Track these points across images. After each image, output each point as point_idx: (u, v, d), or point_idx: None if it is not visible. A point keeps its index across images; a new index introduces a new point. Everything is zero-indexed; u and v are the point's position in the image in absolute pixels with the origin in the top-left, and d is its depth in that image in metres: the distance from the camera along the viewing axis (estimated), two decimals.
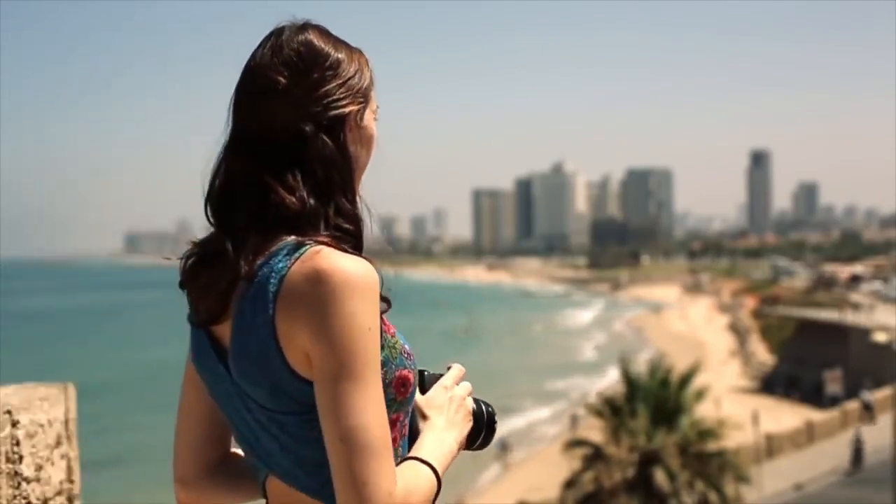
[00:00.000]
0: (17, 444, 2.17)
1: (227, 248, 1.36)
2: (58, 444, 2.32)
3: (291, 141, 1.37)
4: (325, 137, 1.39)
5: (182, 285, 1.46)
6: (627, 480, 21.34)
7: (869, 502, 25.26)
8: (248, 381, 1.35)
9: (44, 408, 2.27)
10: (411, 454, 1.41)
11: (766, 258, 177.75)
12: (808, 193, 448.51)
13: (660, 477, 20.84)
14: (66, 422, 2.37)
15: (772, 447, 32.27)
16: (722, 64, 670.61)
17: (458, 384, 1.54)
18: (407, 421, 1.43)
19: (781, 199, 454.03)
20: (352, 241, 1.38)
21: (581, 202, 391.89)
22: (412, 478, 1.34)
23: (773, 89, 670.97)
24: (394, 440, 1.37)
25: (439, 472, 1.38)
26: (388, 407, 1.35)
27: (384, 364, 1.35)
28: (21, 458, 2.17)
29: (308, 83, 1.40)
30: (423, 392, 1.51)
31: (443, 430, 1.46)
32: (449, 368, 1.57)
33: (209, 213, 1.43)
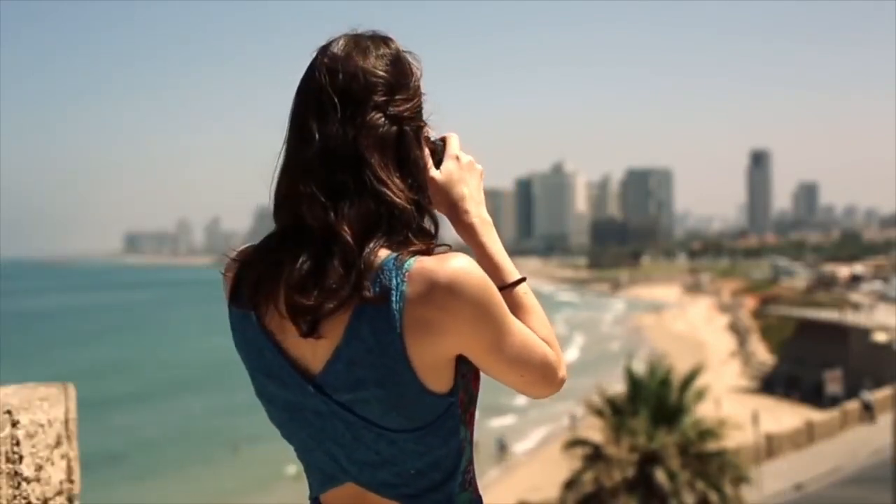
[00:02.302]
0: (17, 444, 2.16)
1: (343, 260, 1.32)
2: (58, 444, 2.32)
3: (395, 140, 1.39)
4: (417, 142, 1.43)
5: (240, 296, 1.42)
6: (628, 480, 21.34)
7: (869, 502, 25.27)
8: (360, 401, 1.34)
9: (44, 408, 2.27)
10: (500, 279, 1.47)
11: (766, 258, 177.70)
12: (808, 193, 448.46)
13: (660, 477, 20.85)
14: (66, 422, 2.37)
15: (772, 447, 32.29)
16: (722, 64, 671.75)
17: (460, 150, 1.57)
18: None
19: (781, 199, 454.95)
20: (432, 239, 1.41)
21: (581, 202, 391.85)
22: (535, 318, 1.46)
23: (773, 89, 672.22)
24: (472, 434, 1.44)
25: (512, 268, 1.51)
26: (471, 400, 1.42)
27: (466, 363, 1.40)
28: (21, 458, 2.17)
29: (408, 90, 1.43)
30: (437, 164, 1.53)
31: (480, 216, 1.53)
32: (443, 139, 1.56)
33: (306, 213, 1.36)
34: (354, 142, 1.36)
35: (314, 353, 1.36)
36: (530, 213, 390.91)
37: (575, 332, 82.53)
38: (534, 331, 1.43)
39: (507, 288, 1.47)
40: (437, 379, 1.34)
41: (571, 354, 68.45)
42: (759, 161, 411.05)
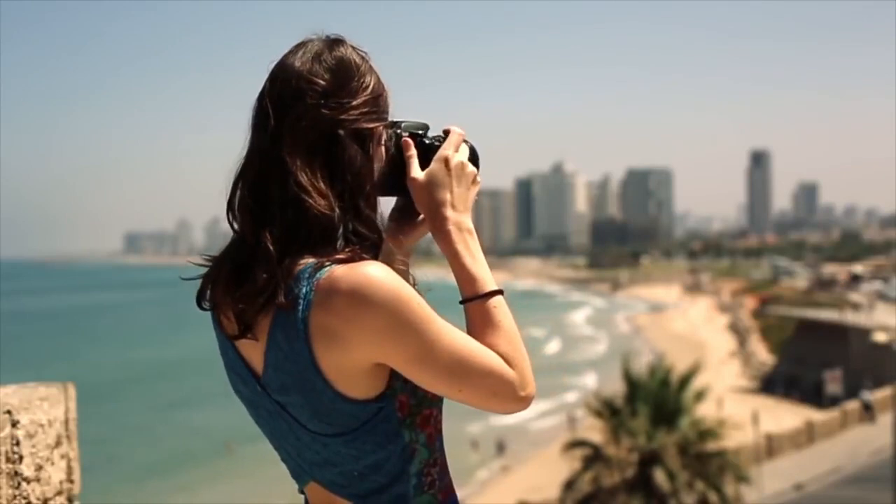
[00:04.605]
0: (17, 444, 2.16)
1: (264, 267, 1.34)
2: (58, 444, 2.32)
3: (325, 145, 1.38)
4: (356, 146, 1.40)
5: (203, 300, 1.45)
6: (627, 480, 21.35)
7: (869, 502, 25.25)
8: (289, 404, 1.38)
9: (44, 408, 2.27)
10: (465, 291, 1.44)
11: (766, 258, 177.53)
12: (808, 193, 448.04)
13: (660, 477, 20.85)
14: (66, 422, 2.37)
15: (772, 447, 32.27)
16: (722, 64, 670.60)
17: (457, 150, 1.52)
18: (440, 416, 1.45)
19: (781, 199, 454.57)
20: (371, 248, 1.39)
21: (581, 202, 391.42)
22: (500, 333, 1.41)
23: (773, 89, 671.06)
24: (429, 437, 1.42)
25: (487, 280, 1.44)
26: (421, 403, 1.40)
27: None
28: (21, 458, 2.17)
29: (346, 92, 1.41)
30: (424, 164, 1.49)
31: (458, 223, 1.48)
32: (446, 131, 1.54)
33: (237, 221, 1.41)
34: (279, 147, 1.37)
35: (256, 355, 1.39)
36: (530, 213, 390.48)
37: (598, 331, 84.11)
38: (492, 346, 1.38)
39: (475, 300, 1.43)
40: (354, 386, 1.34)
41: (599, 349, 70.43)
42: (759, 161, 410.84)
